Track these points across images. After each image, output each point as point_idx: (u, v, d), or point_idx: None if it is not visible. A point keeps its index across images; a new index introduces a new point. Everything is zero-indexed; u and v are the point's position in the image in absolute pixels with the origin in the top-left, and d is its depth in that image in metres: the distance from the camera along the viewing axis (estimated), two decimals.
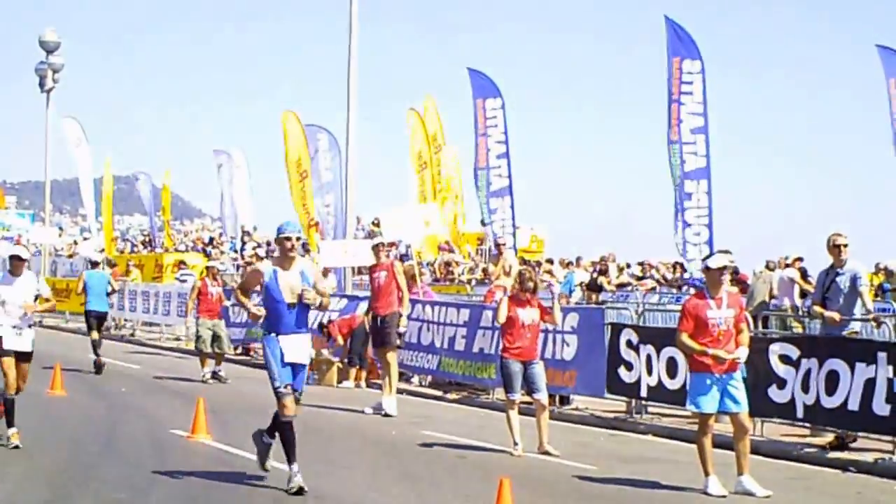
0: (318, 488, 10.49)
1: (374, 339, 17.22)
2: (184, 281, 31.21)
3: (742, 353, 11.01)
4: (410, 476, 11.52)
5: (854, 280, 13.88)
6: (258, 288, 10.93)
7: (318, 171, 27.85)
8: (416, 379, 21.01)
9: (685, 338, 11.05)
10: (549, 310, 13.65)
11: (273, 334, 10.55)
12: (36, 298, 13.00)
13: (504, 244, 21.25)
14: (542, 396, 13.40)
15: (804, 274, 22.26)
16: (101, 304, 22.60)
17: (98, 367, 21.39)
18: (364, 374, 21.02)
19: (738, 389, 10.98)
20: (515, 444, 13.22)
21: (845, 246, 13.93)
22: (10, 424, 12.55)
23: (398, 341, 17.14)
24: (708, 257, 11.72)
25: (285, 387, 10.52)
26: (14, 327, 12.69)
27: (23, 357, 12.81)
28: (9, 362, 12.64)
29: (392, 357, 16.99)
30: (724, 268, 11.20)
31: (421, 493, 10.56)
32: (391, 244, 30.14)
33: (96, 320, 22.50)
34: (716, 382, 10.91)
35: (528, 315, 13.36)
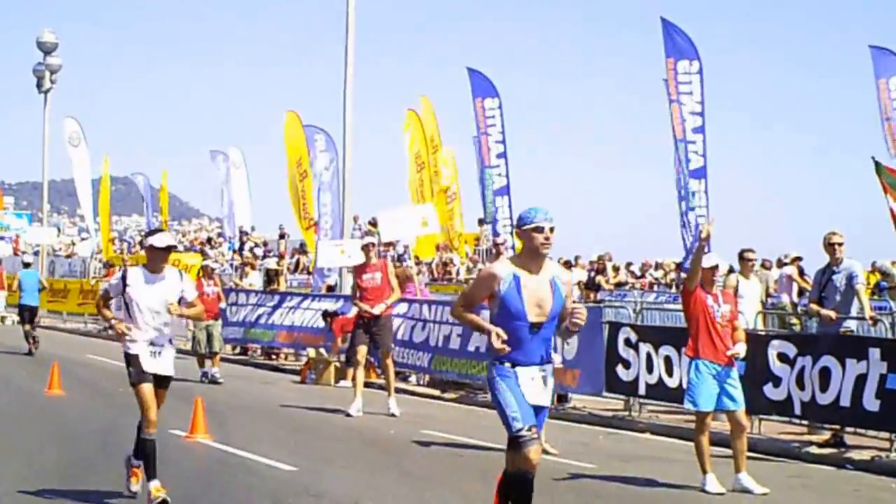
0: (316, 487, 10.50)
1: (360, 338, 16.74)
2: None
3: (740, 349, 11.03)
4: (409, 475, 11.53)
5: (850, 278, 13.94)
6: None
7: (316, 171, 27.87)
8: (413, 378, 21.05)
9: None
10: None
11: (507, 364, 7.59)
12: (179, 303, 9.89)
13: (503, 243, 21.23)
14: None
15: (801, 272, 22.30)
16: (32, 299, 26.18)
17: (30, 352, 24.86)
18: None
19: (735, 387, 11.00)
20: None
21: (840, 244, 14.01)
22: (151, 476, 9.62)
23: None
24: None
25: (529, 429, 7.49)
26: (152, 343, 9.77)
27: (162, 383, 9.96)
28: (148, 392, 9.75)
29: (389, 358, 16.96)
30: (716, 267, 11.23)
31: (419, 492, 10.56)
32: (388, 244, 30.24)
33: (28, 313, 25.75)
34: (714, 377, 10.92)
35: None
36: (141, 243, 39.69)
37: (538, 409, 7.67)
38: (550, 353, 7.75)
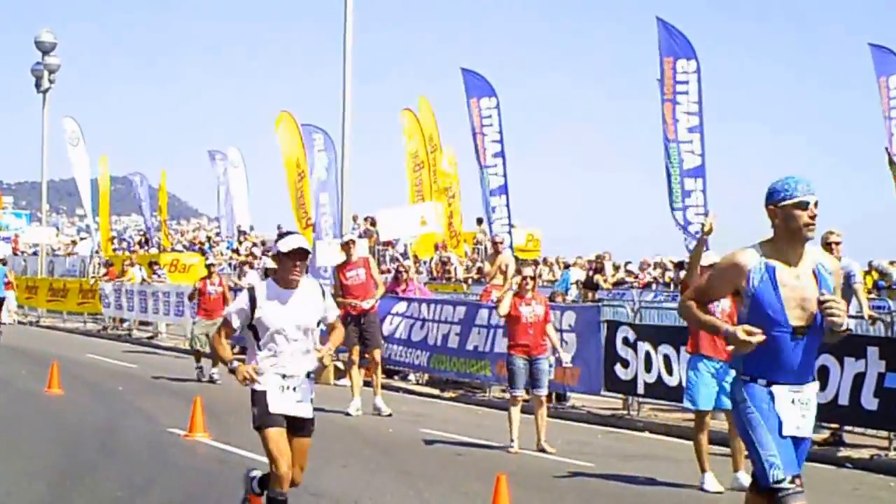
0: (314, 486, 10.50)
1: (350, 337, 16.64)
2: (161, 280, 31.31)
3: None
4: (408, 473, 11.55)
5: (848, 278, 13.97)
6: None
7: (314, 170, 27.87)
8: (412, 377, 21.06)
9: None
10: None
11: (761, 382, 6.11)
12: (318, 325, 8.14)
13: (501, 242, 21.23)
14: (542, 392, 13.44)
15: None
16: None
17: None
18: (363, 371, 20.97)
19: None
20: (512, 440, 13.26)
21: (837, 244, 14.03)
22: None
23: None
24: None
25: (792, 480, 6.00)
26: (285, 377, 8.03)
27: (299, 429, 8.25)
28: (277, 437, 7.95)
29: (379, 356, 16.97)
30: (713, 266, 11.21)
31: (418, 491, 10.58)
32: (387, 243, 30.25)
33: None
34: (713, 376, 10.93)
35: (530, 311, 13.39)
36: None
37: (797, 441, 6.19)
38: (814, 368, 6.30)
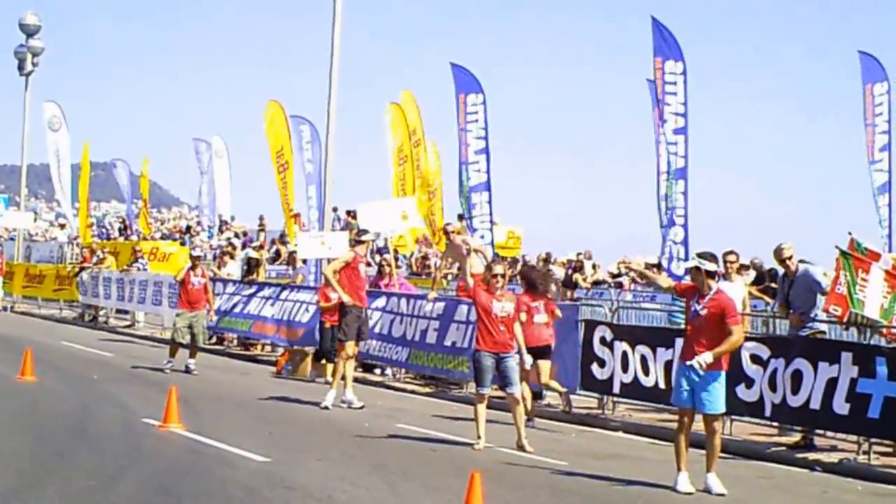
0: (289, 479, 10.52)
1: (353, 332, 16.68)
2: (141, 269, 31.19)
3: (700, 359, 10.86)
4: (382, 468, 11.55)
5: (810, 284, 14.14)
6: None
7: (300, 162, 27.86)
8: (389, 372, 21.07)
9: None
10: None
11: None
12: None
13: (454, 232, 20.94)
14: (515, 391, 13.34)
15: (763, 279, 22.01)
16: None
17: None
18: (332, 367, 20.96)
19: (709, 392, 11.02)
20: (479, 437, 13.20)
21: (790, 258, 14.28)
22: None
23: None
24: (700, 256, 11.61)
25: None
26: None
27: None
28: None
29: (355, 350, 16.98)
30: (696, 269, 11.27)
31: (393, 486, 10.60)
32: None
33: None
34: (690, 377, 10.98)
35: (500, 307, 13.33)
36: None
37: None
38: None
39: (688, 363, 10.94)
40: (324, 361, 20.79)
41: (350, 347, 16.53)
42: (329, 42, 24.67)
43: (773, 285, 19.02)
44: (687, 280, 14.98)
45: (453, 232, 20.72)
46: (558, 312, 15.90)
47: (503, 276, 13.47)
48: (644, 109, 23.47)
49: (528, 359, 14.34)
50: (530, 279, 15.87)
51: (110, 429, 13.36)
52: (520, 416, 13.38)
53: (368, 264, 17.58)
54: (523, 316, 14.64)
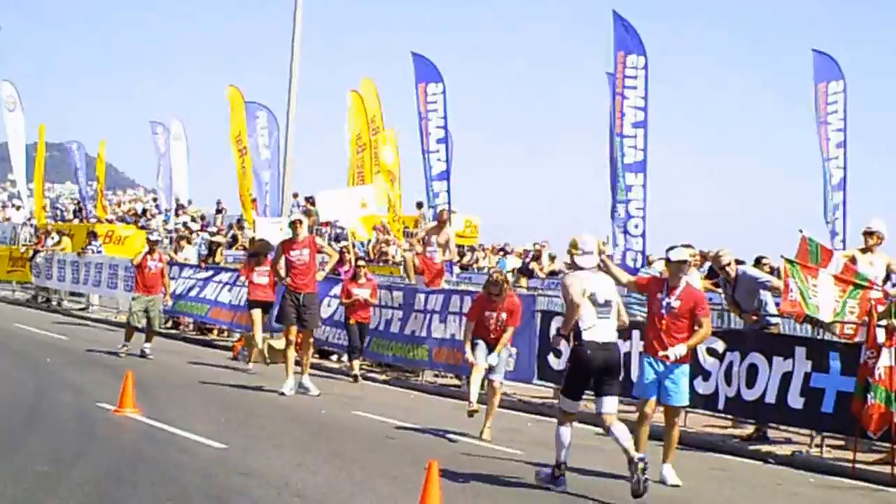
0: (245, 465, 10.49)
1: (289, 316, 16.75)
2: (95, 251, 30.97)
3: (674, 351, 11.04)
4: (339, 455, 11.55)
5: (749, 283, 14.30)
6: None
7: (257, 148, 27.75)
8: (346, 358, 21.04)
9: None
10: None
11: None
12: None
13: (448, 218, 21.09)
14: (497, 378, 13.64)
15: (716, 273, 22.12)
16: None
17: None
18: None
19: (675, 384, 11.12)
20: (470, 402, 13.44)
21: (729, 265, 14.41)
22: None
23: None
24: (671, 249, 11.68)
25: None
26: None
27: None
28: None
29: (311, 337, 16.98)
30: (685, 262, 11.34)
31: (350, 473, 10.59)
32: (326, 223, 30.17)
33: None
34: (657, 369, 11.05)
35: (492, 316, 13.64)
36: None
37: None
38: None
39: (661, 354, 11.00)
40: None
41: (291, 332, 16.59)
42: (290, 28, 24.57)
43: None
44: (646, 273, 15.15)
45: (446, 217, 20.90)
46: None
47: (506, 281, 13.74)
48: (600, 102, 23.43)
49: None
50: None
51: (65, 413, 13.23)
52: (493, 406, 13.57)
53: (319, 250, 17.51)
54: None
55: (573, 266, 10.74)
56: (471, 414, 13.34)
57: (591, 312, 10.26)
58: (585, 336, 10.27)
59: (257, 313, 19.62)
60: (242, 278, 21.96)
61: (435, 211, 22.58)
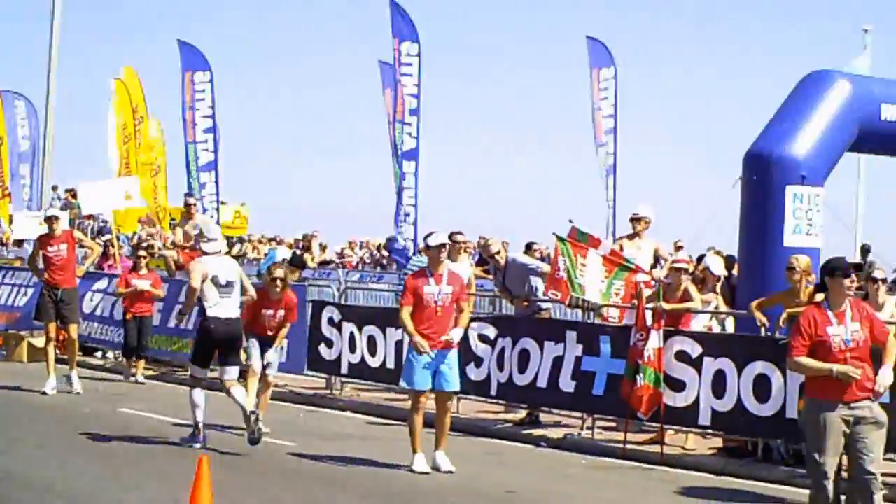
0: (6, 468, 10.08)
1: (48, 313, 16.21)
2: None
3: (455, 334, 11.20)
4: (105, 454, 11.23)
5: (519, 270, 14.57)
6: None
7: (17, 140, 26.63)
8: (111, 355, 20.44)
9: (406, 315, 11.20)
10: None
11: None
12: None
13: (194, 205, 20.66)
14: (271, 372, 13.39)
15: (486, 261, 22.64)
16: None
17: None
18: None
19: (451, 369, 11.19)
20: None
21: (498, 253, 14.67)
22: None
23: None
24: (429, 236, 11.73)
25: None
26: None
27: None
28: None
29: (76, 332, 16.48)
30: (443, 246, 11.36)
31: (116, 472, 10.30)
32: (89, 216, 29.23)
33: None
34: (429, 361, 11.08)
35: (269, 313, 13.17)
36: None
37: None
38: None
39: (442, 340, 11.04)
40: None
41: (51, 329, 16.08)
42: (49, 11, 23.66)
43: None
44: (417, 262, 15.20)
45: (192, 205, 20.48)
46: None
47: (283, 279, 13.24)
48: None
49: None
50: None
51: None
52: (266, 399, 13.42)
53: (80, 244, 17.00)
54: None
55: (201, 252, 12.28)
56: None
57: (215, 293, 11.78)
58: (210, 312, 11.82)
59: None
60: None
61: (202, 204, 22.17)
